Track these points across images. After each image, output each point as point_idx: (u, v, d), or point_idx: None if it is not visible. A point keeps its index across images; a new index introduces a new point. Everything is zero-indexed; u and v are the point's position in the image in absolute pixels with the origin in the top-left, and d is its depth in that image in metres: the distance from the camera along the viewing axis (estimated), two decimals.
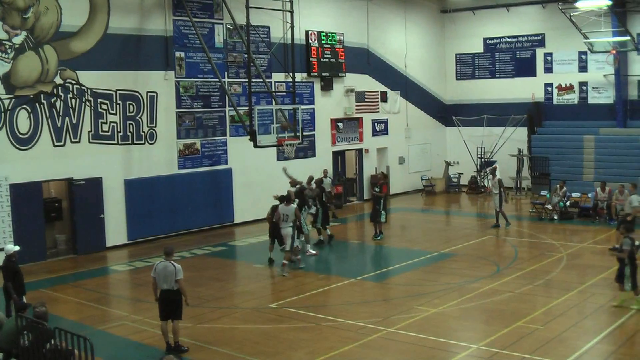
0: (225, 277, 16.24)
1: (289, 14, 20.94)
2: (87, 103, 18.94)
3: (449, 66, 32.56)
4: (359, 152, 28.21)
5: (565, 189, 22.83)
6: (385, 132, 29.26)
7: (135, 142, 20.11)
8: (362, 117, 27.95)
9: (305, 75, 25.18)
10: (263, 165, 23.30)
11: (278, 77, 24.01)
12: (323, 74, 25.85)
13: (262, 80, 21.76)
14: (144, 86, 20.29)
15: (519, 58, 30.43)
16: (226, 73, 22.45)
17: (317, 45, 25.51)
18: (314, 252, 18.09)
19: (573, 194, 24.06)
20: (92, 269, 17.40)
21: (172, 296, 10.93)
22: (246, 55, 20.58)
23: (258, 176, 22.94)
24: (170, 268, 10.89)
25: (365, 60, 27.96)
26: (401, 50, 29.78)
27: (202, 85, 21.87)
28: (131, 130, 20.01)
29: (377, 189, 19.97)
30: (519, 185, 28.94)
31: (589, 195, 23.26)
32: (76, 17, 18.66)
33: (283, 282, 15.68)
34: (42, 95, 18.01)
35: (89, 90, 18.95)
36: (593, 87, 28.70)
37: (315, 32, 25.50)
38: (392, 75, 29.42)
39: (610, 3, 24.68)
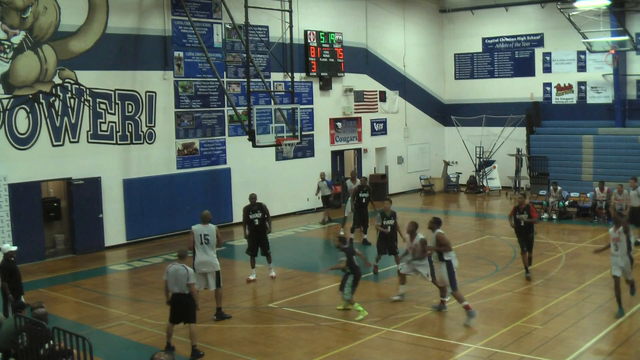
0: (224, 277, 16.12)
1: (287, 13, 20.96)
2: (86, 103, 18.94)
3: (448, 66, 32.55)
4: (358, 151, 28.21)
5: (560, 188, 22.85)
6: (384, 131, 29.26)
7: (134, 141, 20.10)
8: (360, 117, 27.94)
9: (304, 74, 25.18)
10: (262, 164, 23.30)
11: (277, 76, 24.02)
12: (322, 74, 25.83)
13: (260, 80, 21.76)
14: (143, 86, 20.28)
15: (517, 58, 30.43)
16: (225, 73, 22.44)
17: (315, 44, 25.50)
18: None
19: (572, 194, 24.08)
20: (91, 268, 17.40)
21: (183, 300, 10.67)
22: (245, 55, 20.57)
23: (257, 176, 22.92)
24: (181, 271, 10.59)
25: (364, 60, 27.95)
26: (400, 50, 29.77)
27: (200, 85, 21.85)
28: (130, 130, 20.00)
29: (524, 215, 15.19)
30: (517, 185, 28.95)
31: (588, 195, 23.28)
32: (75, 16, 18.65)
33: (281, 282, 15.68)
34: (40, 95, 18.00)
35: (87, 90, 18.94)
36: (592, 87, 28.71)
37: (314, 32, 25.48)
38: (391, 75, 29.41)
39: (609, 3, 24.68)
